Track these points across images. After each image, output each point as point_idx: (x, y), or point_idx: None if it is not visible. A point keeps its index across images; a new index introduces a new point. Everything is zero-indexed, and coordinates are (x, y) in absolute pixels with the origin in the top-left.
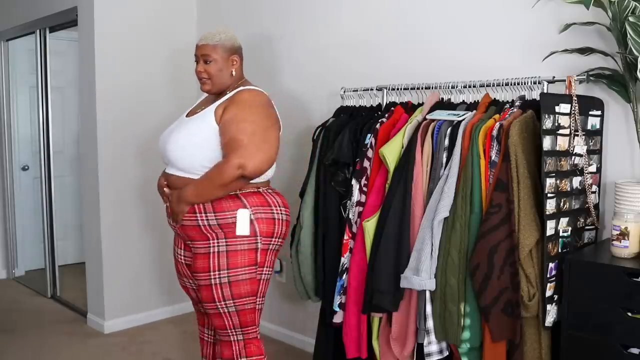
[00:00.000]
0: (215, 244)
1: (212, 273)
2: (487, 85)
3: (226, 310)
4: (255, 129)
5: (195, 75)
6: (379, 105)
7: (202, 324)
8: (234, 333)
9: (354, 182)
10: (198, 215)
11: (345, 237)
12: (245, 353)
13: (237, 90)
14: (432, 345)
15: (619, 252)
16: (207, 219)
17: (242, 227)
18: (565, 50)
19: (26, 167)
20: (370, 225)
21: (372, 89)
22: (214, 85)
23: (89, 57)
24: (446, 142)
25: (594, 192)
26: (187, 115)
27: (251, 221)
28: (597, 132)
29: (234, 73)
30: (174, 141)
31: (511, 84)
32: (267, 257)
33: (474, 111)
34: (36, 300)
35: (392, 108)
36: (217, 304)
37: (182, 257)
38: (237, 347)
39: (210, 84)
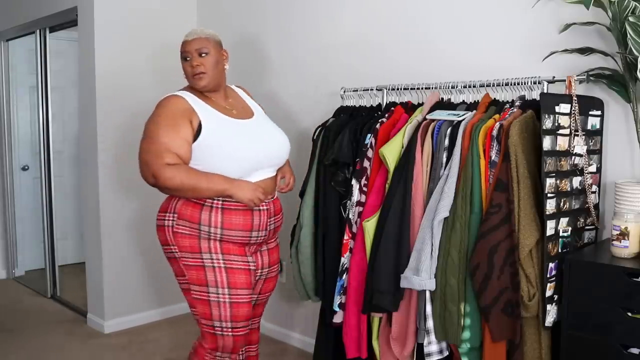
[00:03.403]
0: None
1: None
2: (487, 85)
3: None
4: None
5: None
6: (379, 105)
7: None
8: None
9: (354, 182)
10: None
11: (345, 237)
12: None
13: (244, 89)
14: (432, 345)
15: (619, 252)
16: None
17: None
18: (565, 50)
19: (26, 167)
20: (370, 225)
21: (372, 89)
22: (211, 80)
23: (89, 57)
24: (446, 142)
25: (594, 192)
26: (239, 118)
27: None
28: (597, 132)
29: (226, 67)
30: (280, 143)
31: (511, 84)
32: None
33: (474, 111)
34: (36, 300)
35: (392, 108)
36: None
37: (255, 265)
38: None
39: (207, 79)
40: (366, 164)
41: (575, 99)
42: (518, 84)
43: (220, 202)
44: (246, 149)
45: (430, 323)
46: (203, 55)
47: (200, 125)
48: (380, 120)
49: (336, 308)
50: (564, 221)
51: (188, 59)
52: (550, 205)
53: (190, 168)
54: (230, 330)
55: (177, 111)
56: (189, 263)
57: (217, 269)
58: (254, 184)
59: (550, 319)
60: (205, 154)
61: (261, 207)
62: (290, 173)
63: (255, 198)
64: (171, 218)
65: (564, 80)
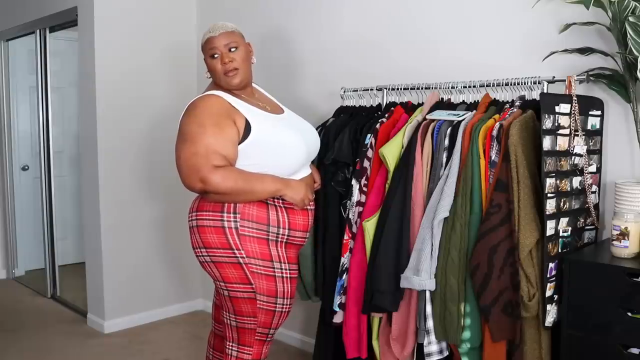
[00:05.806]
0: None
1: None
2: (487, 85)
3: None
4: None
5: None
6: (379, 105)
7: None
8: None
9: (354, 182)
10: None
11: (345, 237)
12: None
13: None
14: (432, 345)
15: (619, 252)
16: None
17: None
18: (565, 50)
19: (26, 167)
20: (370, 225)
21: (372, 89)
22: (244, 76)
23: (89, 57)
24: (446, 142)
25: (594, 192)
26: (275, 113)
27: None
28: (597, 132)
29: (254, 61)
30: (316, 135)
31: (511, 84)
32: None
33: (474, 111)
34: (36, 300)
35: (392, 108)
36: None
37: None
38: None
39: (240, 75)
40: (366, 164)
41: (575, 99)
42: (518, 84)
43: (281, 201)
44: (298, 143)
45: (430, 323)
46: (233, 50)
47: (248, 124)
48: (380, 120)
49: (336, 308)
50: (564, 221)
51: (216, 56)
52: (550, 205)
53: (240, 170)
54: (273, 336)
55: (220, 111)
56: (260, 271)
57: (285, 280)
58: (304, 183)
59: (550, 319)
60: (260, 152)
61: (310, 207)
62: (315, 168)
63: (306, 197)
64: (232, 219)
65: (564, 80)
